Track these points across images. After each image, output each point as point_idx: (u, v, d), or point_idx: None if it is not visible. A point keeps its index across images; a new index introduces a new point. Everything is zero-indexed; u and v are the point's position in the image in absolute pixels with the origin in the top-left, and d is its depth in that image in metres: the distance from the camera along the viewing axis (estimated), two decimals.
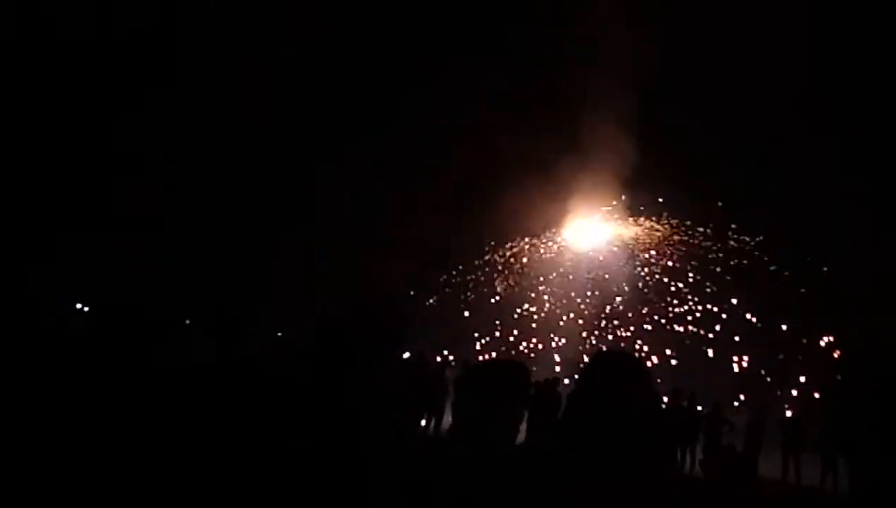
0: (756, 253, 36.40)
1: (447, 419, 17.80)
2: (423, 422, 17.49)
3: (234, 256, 33.99)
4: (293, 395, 3.53)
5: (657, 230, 38.59)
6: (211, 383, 3.96)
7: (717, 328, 35.43)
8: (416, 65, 33.96)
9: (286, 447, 3.38)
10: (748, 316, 34.92)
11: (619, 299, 38.72)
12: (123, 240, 32.58)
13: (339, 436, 3.34)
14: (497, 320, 38.85)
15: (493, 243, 38.94)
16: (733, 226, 36.79)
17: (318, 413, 3.38)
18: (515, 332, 38.57)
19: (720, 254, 37.30)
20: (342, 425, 3.35)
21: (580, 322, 38.06)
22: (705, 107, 32.73)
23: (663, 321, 37.57)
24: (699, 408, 20.54)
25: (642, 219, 38.69)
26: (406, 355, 18.54)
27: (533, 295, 39.35)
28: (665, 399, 17.91)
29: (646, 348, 36.16)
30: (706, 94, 32.96)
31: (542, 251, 39.44)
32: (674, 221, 38.20)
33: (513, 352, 36.95)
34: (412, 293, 35.93)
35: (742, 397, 29.74)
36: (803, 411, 20.37)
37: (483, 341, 37.83)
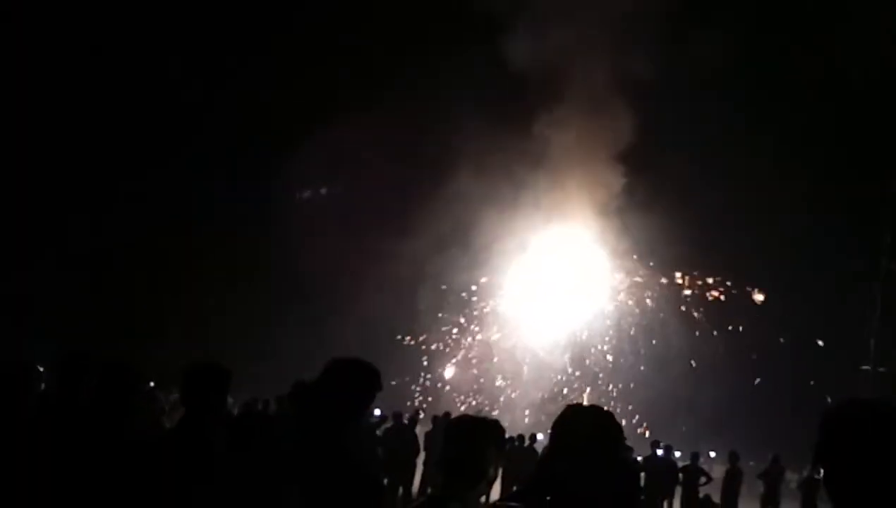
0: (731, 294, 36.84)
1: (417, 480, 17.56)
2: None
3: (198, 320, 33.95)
4: (276, 460, 3.53)
5: (636, 277, 38.81)
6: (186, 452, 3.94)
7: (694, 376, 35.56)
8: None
9: None
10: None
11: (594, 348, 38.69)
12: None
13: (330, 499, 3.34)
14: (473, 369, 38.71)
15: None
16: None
17: (305, 477, 3.38)
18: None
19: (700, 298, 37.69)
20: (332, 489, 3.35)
21: (556, 374, 37.91)
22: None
23: (640, 368, 37.63)
24: (677, 456, 20.49)
25: (619, 267, 38.93)
26: (377, 412, 18.33)
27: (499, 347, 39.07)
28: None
29: (618, 391, 36.27)
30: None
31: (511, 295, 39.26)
32: (649, 270, 38.50)
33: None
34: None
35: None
36: (782, 461, 20.29)
37: (458, 395, 37.63)
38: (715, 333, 37.06)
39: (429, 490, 16.53)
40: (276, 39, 35.85)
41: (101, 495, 4.03)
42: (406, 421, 18.22)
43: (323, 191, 37.42)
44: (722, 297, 37.83)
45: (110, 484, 3.99)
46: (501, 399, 37.70)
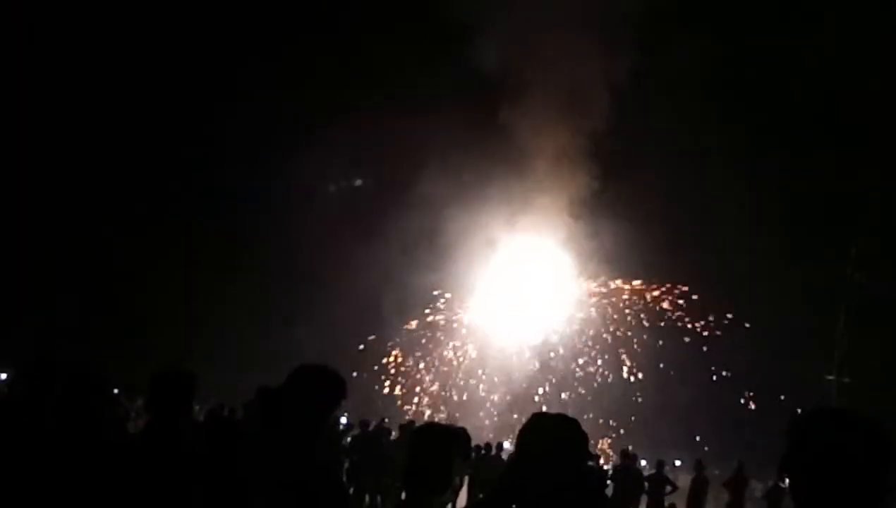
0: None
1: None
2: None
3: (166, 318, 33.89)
4: (244, 466, 3.52)
5: (604, 283, 38.82)
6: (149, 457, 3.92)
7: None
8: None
9: None
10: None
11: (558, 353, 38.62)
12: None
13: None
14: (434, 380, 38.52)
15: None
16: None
17: (272, 483, 3.36)
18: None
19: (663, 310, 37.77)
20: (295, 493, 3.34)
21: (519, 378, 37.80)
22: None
23: (607, 375, 37.70)
24: (642, 465, 20.56)
25: (585, 278, 38.91)
26: (343, 420, 18.24)
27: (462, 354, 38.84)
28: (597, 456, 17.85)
29: (584, 399, 36.32)
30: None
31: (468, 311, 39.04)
32: (618, 280, 38.55)
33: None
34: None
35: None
36: (746, 469, 20.43)
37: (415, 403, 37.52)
38: (686, 339, 37.20)
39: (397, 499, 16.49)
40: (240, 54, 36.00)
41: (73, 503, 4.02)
42: (372, 429, 18.17)
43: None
44: (682, 302, 37.96)
45: (82, 493, 3.97)
46: (466, 406, 37.56)
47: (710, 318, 37.12)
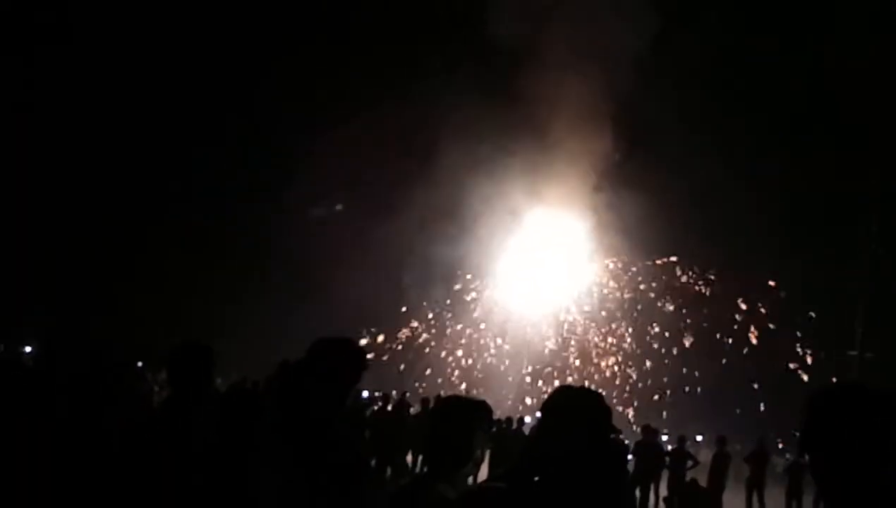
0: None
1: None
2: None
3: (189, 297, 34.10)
4: (263, 440, 3.52)
5: (624, 257, 38.65)
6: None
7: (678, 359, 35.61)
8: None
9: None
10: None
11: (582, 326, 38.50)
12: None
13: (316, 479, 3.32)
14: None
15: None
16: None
17: (292, 457, 3.36)
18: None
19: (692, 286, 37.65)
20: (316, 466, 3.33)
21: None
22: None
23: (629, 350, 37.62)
24: (664, 440, 20.56)
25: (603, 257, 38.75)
26: (365, 394, 18.33)
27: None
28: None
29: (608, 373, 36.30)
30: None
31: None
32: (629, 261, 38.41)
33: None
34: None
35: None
36: (768, 444, 20.41)
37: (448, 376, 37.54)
38: (705, 312, 37.07)
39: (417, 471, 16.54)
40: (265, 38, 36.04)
41: (81, 485, 4.03)
42: (393, 404, 18.26)
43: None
44: (709, 278, 37.80)
45: (90, 476, 3.98)
46: (487, 380, 37.50)
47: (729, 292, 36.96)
